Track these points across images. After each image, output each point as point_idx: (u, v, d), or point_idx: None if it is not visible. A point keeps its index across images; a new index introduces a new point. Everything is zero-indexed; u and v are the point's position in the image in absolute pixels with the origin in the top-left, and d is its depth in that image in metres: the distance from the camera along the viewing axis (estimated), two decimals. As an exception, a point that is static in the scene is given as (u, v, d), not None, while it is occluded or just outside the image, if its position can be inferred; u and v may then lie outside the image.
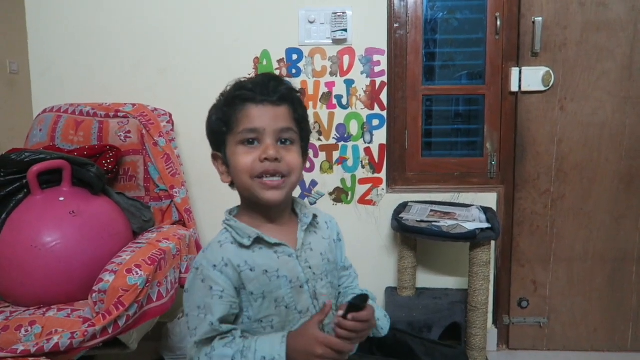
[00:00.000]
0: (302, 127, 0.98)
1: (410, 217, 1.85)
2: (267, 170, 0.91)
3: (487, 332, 1.82)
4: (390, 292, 1.98)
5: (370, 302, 0.99)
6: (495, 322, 2.09)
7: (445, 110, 2.16)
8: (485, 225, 1.74)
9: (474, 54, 2.08)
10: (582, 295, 2.03)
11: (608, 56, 1.90)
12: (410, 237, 1.86)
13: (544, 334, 2.05)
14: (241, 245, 0.93)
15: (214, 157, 1.00)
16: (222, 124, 0.95)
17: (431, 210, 1.91)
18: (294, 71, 2.00)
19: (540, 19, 1.88)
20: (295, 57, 2.00)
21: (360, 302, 0.88)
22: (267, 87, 0.93)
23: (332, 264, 1.03)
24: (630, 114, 1.92)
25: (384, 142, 2.02)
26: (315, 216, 1.02)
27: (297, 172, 0.95)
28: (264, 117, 0.92)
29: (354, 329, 0.88)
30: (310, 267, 0.96)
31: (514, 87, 1.96)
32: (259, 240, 0.93)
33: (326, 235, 1.04)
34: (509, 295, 2.06)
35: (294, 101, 0.97)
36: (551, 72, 1.92)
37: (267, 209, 0.96)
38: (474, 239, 1.69)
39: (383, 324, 1.05)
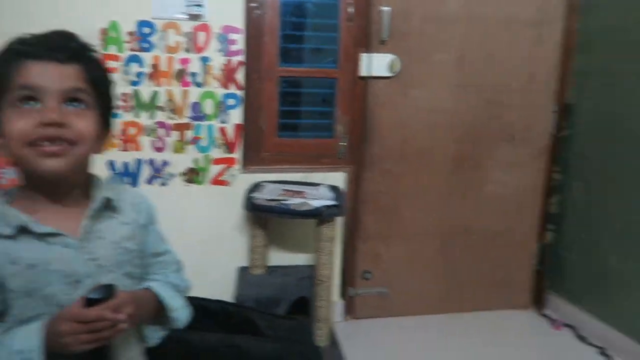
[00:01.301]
0: (100, 90, 0.84)
1: (262, 196, 1.89)
2: (48, 137, 0.77)
3: (334, 304, 1.93)
4: (242, 271, 2.01)
5: (166, 290, 0.95)
6: (343, 294, 2.22)
7: (301, 93, 2.21)
8: (331, 202, 1.83)
9: (329, 38, 2.14)
10: (419, 266, 2.23)
11: (443, 48, 2.07)
12: (261, 215, 1.91)
13: (385, 303, 2.22)
14: (2, 235, 0.79)
15: None
16: None
17: (283, 190, 1.96)
18: (146, 45, 1.92)
19: (387, 8, 1.98)
20: (147, 30, 1.91)
21: (98, 296, 0.77)
22: (52, 42, 0.80)
23: (133, 252, 0.92)
24: (461, 103, 2.12)
25: (240, 122, 2.02)
26: (109, 200, 0.89)
27: (87, 141, 0.81)
28: (45, 74, 0.78)
29: (96, 319, 0.75)
30: (94, 259, 0.85)
31: (364, 72, 2.05)
32: (26, 230, 0.80)
33: (129, 220, 0.92)
34: (354, 269, 2.20)
35: (89, 61, 0.83)
36: (398, 59, 2.04)
37: (49, 185, 0.83)
38: (320, 215, 1.79)
39: (179, 314, 0.97)
